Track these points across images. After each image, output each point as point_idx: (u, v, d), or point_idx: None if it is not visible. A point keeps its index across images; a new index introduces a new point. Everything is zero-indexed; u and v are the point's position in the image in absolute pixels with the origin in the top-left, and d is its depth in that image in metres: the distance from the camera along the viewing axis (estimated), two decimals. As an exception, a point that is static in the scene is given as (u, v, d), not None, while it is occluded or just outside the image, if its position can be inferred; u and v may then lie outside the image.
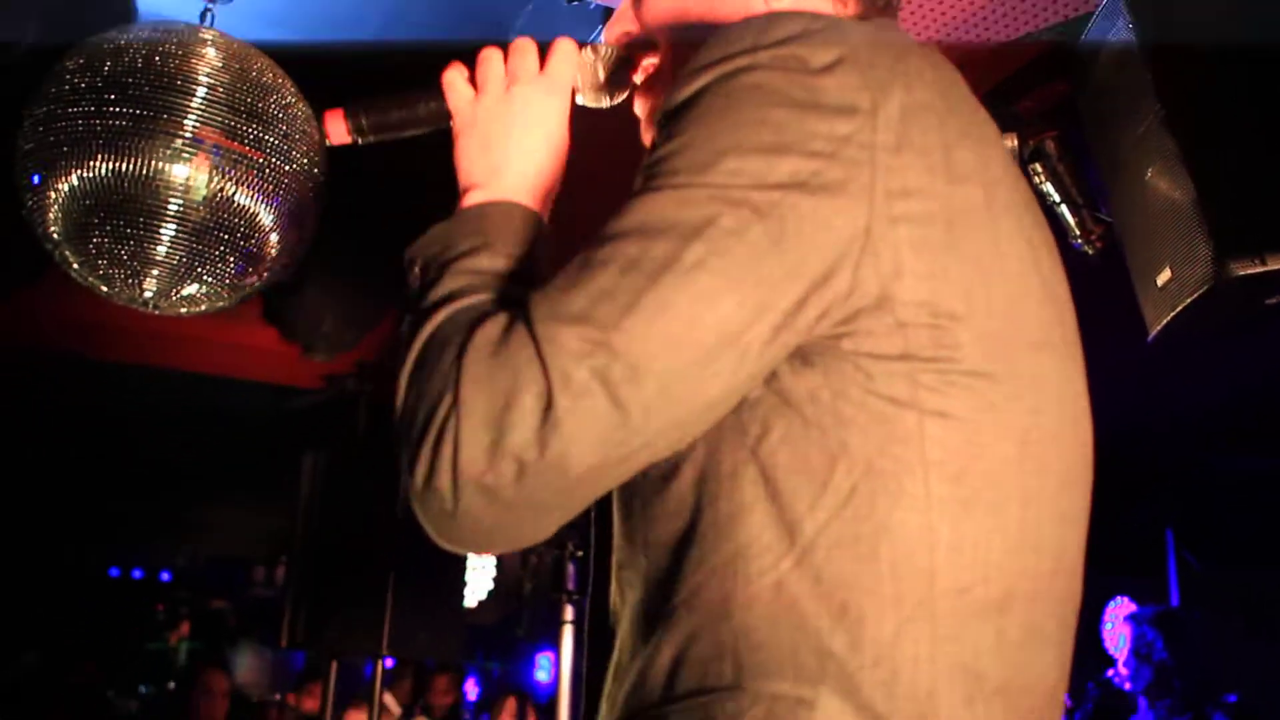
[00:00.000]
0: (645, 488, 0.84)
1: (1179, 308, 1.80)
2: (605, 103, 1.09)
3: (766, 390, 0.79)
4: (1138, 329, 1.99)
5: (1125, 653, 3.65)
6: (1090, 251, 2.28)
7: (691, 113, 0.81)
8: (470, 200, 0.93)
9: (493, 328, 0.76)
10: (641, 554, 0.84)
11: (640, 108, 1.10)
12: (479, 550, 0.80)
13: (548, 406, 0.71)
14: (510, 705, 5.29)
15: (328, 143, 1.04)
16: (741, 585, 0.77)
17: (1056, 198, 2.27)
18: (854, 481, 0.77)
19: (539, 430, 0.71)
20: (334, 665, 3.73)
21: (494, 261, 0.86)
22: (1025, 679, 0.81)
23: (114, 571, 8.75)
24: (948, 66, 0.89)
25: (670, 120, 0.82)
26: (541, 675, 9.62)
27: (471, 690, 8.65)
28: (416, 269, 0.88)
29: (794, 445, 0.78)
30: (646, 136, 1.09)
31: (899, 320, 0.78)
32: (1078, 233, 2.30)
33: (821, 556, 0.76)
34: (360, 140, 1.05)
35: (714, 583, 0.78)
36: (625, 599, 0.88)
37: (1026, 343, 0.83)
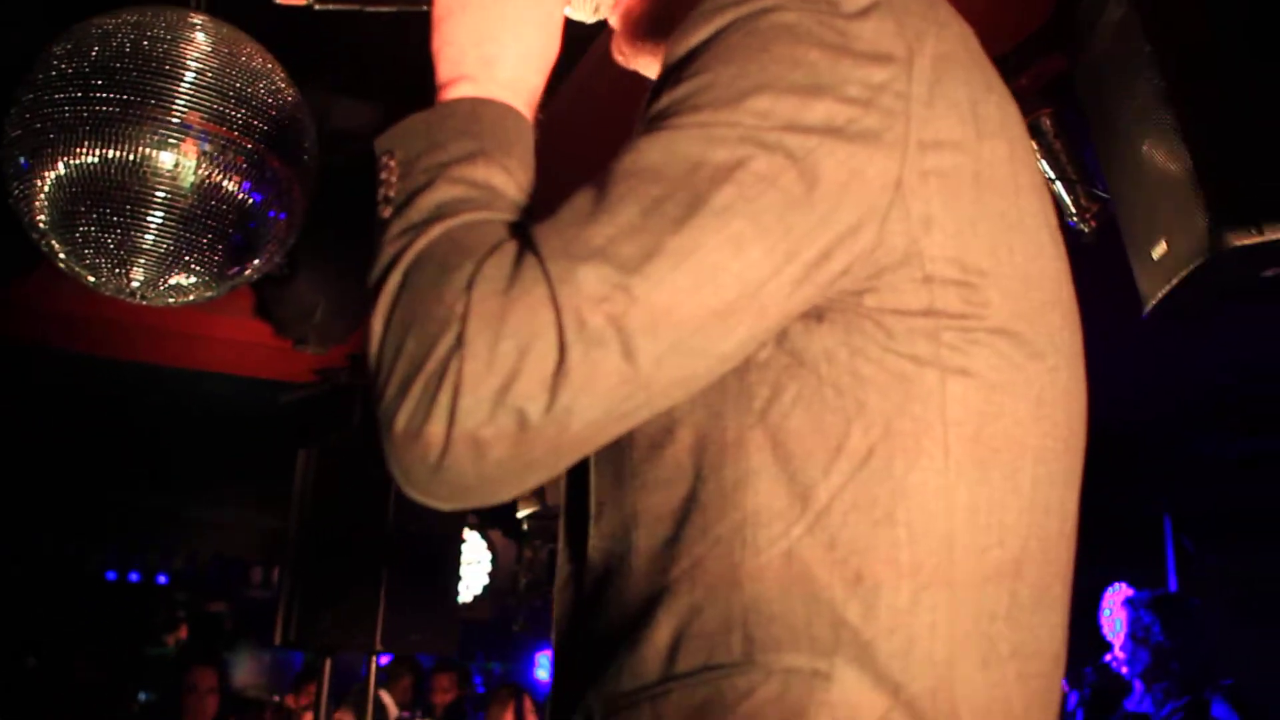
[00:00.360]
0: (634, 453, 0.79)
1: (1175, 280, 1.78)
2: (591, 17, 1.01)
3: (777, 350, 0.76)
4: (1131, 310, 1.97)
5: (1122, 636, 3.64)
6: (1085, 230, 2.27)
7: (711, 51, 0.75)
8: (458, 92, 0.83)
9: (503, 259, 0.69)
10: (630, 523, 0.80)
11: (622, 27, 1.04)
12: (447, 505, 0.73)
13: (561, 355, 0.65)
14: (509, 704, 5.27)
15: (277, 0, 0.89)
16: (750, 555, 0.73)
17: (1052, 175, 2.26)
18: (871, 443, 0.74)
19: (550, 380, 0.65)
20: (328, 663, 3.71)
21: (490, 174, 0.77)
22: (1036, 643, 0.79)
23: (111, 575, 8.71)
24: (961, 18, 0.87)
25: (686, 62, 0.76)
26: (542, 674, 9.62)
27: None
28: (393, 163, 0.78)
29: (807, 407, 0.75)
30: (626, 55, 1.04)
31: (926, 275, 0.75)
32: (1073, 210, 2.29)
33: (836, 522, 0.73)
34: (316, 6, 0.91)
35: (719, 553, 0.74)
36: (612, 570, 0.81)
37: (1043, 300, 0.82)
